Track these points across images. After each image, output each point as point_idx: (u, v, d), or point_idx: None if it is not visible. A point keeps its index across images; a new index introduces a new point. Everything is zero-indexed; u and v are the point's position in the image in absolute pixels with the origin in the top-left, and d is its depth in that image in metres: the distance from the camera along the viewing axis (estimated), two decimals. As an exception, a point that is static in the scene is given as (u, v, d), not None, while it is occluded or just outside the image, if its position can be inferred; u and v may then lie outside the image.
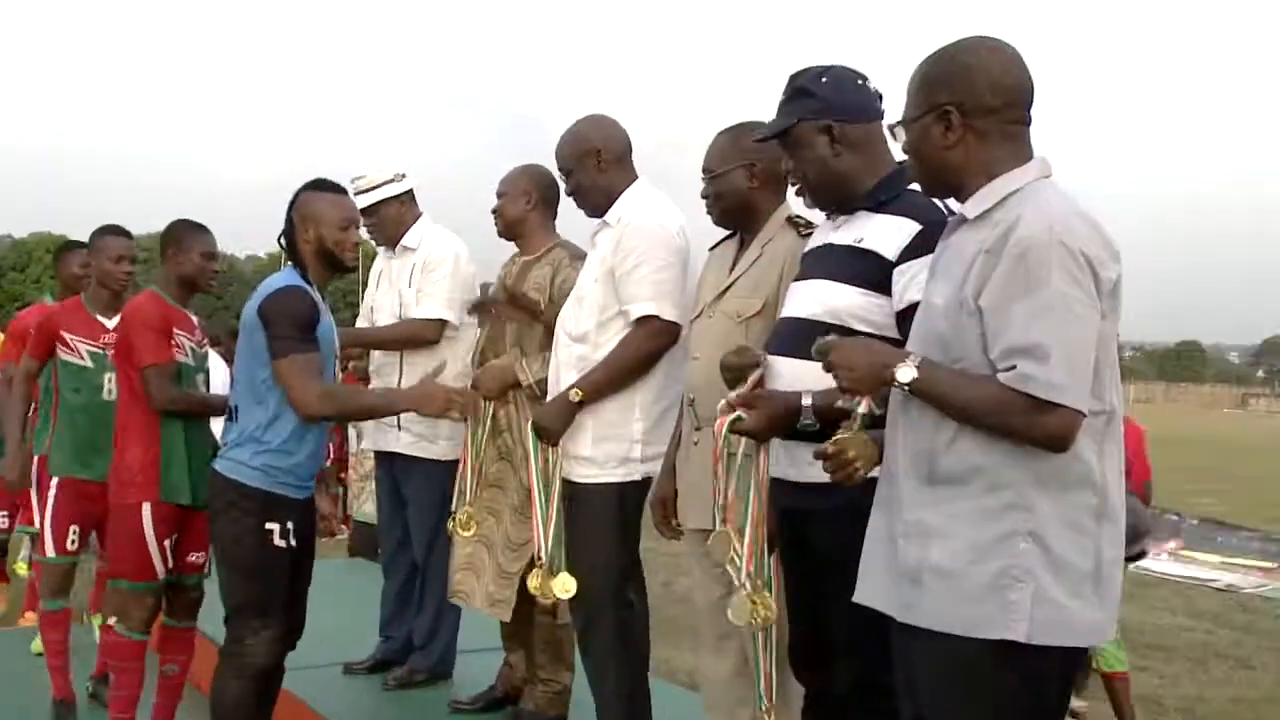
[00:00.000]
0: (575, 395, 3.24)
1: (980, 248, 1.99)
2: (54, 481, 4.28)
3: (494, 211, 3.97)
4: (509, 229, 3.97)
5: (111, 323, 4.24)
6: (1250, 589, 8.57)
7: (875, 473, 2.16)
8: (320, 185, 3.39)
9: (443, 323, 4.20)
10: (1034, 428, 1.91)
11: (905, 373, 1.99)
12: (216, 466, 3.32)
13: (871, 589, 2.17)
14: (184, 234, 3.88)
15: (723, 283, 3.00)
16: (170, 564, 3.78)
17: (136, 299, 3.88)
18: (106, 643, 3.85)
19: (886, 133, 2.28)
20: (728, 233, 3.13)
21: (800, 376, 2.48)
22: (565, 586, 3.29)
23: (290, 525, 3.27)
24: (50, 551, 4.31)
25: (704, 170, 3.05)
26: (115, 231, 4.40)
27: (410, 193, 4.37)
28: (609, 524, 3.30)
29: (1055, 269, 1.90)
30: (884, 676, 2.26)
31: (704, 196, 3.06)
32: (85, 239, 4.93)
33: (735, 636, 2.99)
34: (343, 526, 9.11)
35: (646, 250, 3.25)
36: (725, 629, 3.04)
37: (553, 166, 3.60)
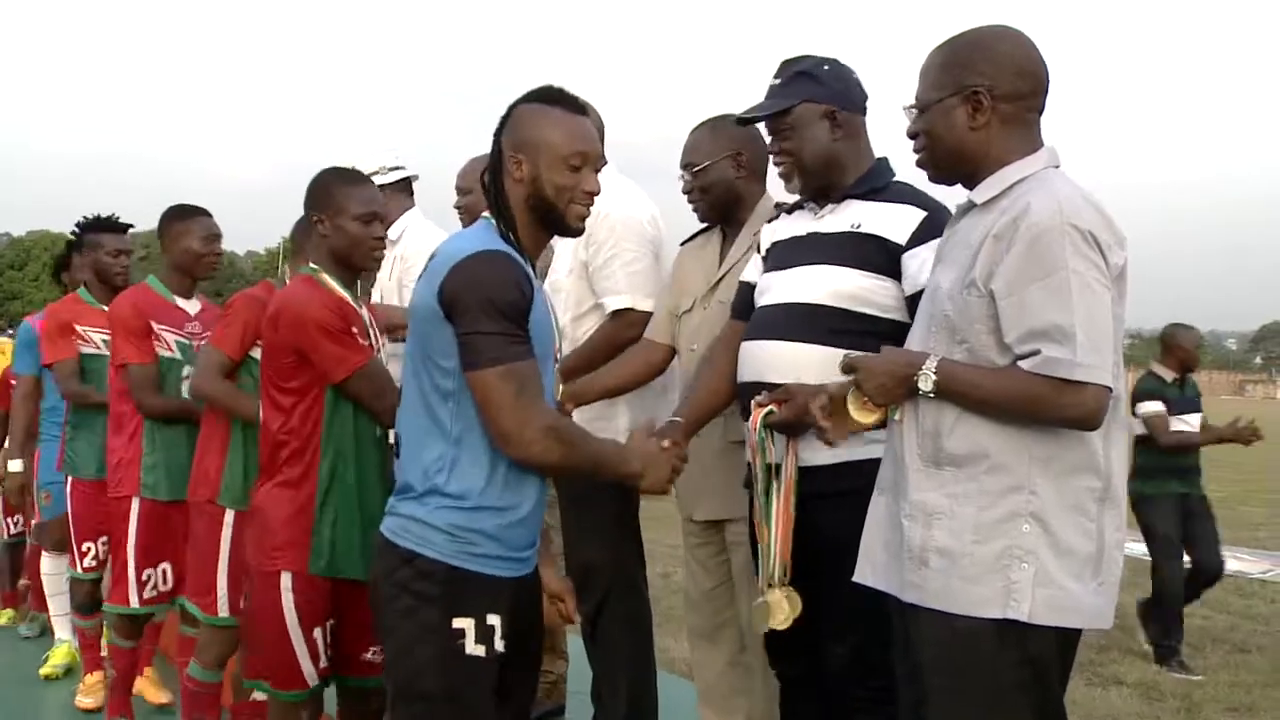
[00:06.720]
0: None
1: (988, 232, 2.00)
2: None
3: (459, 208, 3.86)
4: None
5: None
6: (1256, 574, 8.55)
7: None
8: (548, 97, 2.22)
9: None
10: (1064, 410, 1.92)
11: (925, 381, 2.02)
12: (382, 529, 2.22)
13: (872, 569, 2.19)
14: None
15: (713, 275, 3.01)
16: (327, 661, 2.76)
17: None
18: None
19: (903, 113, 2.28)
20: (702, 227, 3.13)
21: (806, 362, 2.51)
22: None
23: (496, 622, 2.13)
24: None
25: (685, 166, 3.04)
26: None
27: (402, 183, 4.31)
28: (613, 517, 3.33)
29: (1069, 250, 1.91)
30: (877, 655, 2.29)
31: (686, 192, 3.05)
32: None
33: (729, 627, 2.99)
34: None
35: (618, 242, 3.24)
36: (719, 620, 3.05)
37: None
